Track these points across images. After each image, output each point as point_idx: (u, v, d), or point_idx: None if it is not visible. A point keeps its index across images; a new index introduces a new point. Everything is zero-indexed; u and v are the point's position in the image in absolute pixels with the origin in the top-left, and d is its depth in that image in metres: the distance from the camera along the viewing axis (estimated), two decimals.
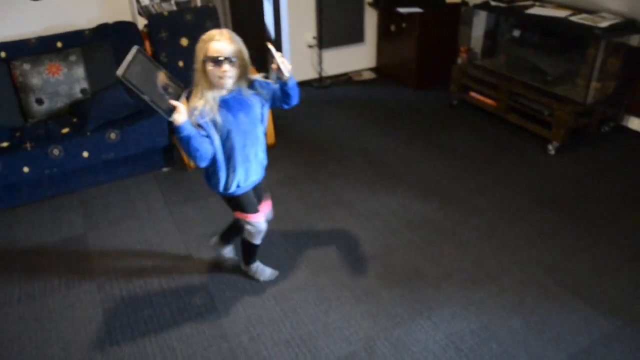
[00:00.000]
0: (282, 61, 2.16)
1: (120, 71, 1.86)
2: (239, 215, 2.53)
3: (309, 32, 5.18)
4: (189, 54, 4.09)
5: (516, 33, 4.46)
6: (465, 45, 5.14)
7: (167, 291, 2.78)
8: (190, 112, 2.12)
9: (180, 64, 4.09)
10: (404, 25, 5.10)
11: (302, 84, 5.36)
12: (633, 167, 3.86)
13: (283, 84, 2.24)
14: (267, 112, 2.35)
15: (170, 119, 2.00)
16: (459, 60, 5.11)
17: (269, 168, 3.86)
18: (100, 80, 3.80)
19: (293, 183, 3.72)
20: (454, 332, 2.50)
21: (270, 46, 2.23)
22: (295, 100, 2.32)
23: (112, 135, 3.52)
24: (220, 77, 2.10)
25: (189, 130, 2.05)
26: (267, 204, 2.71)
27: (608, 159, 3.97)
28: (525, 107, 4.24)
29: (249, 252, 2.78)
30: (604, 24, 3.74)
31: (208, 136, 2.18)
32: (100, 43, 3.89)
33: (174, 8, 4.32)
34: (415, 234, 3.17)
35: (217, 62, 2.07)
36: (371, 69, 5.73)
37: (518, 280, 2.80)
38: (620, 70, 4.05)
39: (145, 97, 1.92)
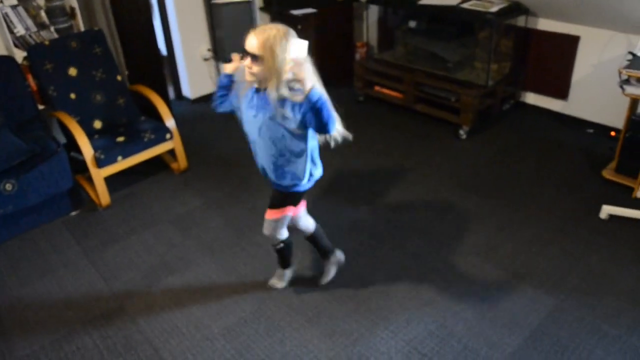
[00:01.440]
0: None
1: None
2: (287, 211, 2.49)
3: (204, 44, 4.97)
4: (79, 84, 3.79)
5: (412, 24, 4.54)
6: (361, 40, 5.18)
7: (104, 351, 2.53)
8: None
9: (72, 95, 3.75)
10: (299, 27, 5.02)
11: (202, 100, 5.17)
12: (537, 140, 4.07)
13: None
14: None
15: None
16: (357, 56, 5.14)
17: (187, 194, 3.68)
18: None
19: (215, 207, 3.54)
20: (413, 337, 2.48)
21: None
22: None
23: (8, 187, 3.15)
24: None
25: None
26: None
27: (514, 135, 4.16)
28: (431, 95, 4.33)
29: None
30: (494, 9, 3.89)
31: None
32: None
33: (55, 36, 3.95)
34: (351, 241, 3.13)
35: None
36: None
37: (461, 271, 2.85)
38: (512, 50, 4.24)
39: None
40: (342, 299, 2.73)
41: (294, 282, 2.84)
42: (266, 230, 2.55)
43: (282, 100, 2.08)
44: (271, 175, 2.34)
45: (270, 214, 2.48)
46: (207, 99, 5.16)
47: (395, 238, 3.14)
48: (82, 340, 2.59)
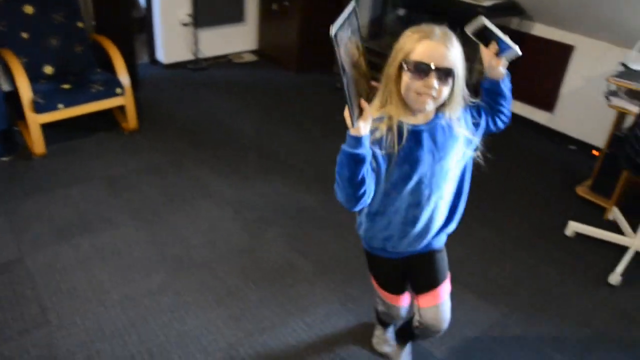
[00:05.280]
0: (510, 43, 1.44)
1: (334, 29, 1.15)
2: (372, 280, 1.88)
3: (183, 8, 4.71)
4: (34, 24, 3.52)
5: (401, 12, 4.28)
6: None
7: None
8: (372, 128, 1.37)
9: (24, 35, 3.49)
10: (286, 3, 4.77)
11: (176, 66, 4.91)
12: (516, 150, 3.79)
13: (496, 85, 1.55)
14: (471, 157, 1.58)
15: (354, 125, 1.23)
16: None
17: (130, 156, 3.41)
18: None
19: (155, 172, 3.27)
20: (330, 333, 2.21)
21: (485, 20, 1.47)
22: (508, 113, 1.65)
23: None
24: (420, 94, 1.36)
25: (366, 149, 1.29)
26: (433, 295, 1.72)
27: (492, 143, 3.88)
28: None
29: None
30: (487, 3, 3.63)
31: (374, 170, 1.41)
32: None
33: None
34: (291, 225, 2.86)
35: (421, 70, 1.34)
36: (253, 52, 5.35)
37: None
38: None
39: (345, 79, 1.18)
40: (262, 283, 2.45)
41: (213, 259, 2.58)
42: None
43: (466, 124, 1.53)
44: (435, 230, 1.64)
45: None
46: (181, 65, 4.90)
47: (339, 227, 2.86)
48: None
